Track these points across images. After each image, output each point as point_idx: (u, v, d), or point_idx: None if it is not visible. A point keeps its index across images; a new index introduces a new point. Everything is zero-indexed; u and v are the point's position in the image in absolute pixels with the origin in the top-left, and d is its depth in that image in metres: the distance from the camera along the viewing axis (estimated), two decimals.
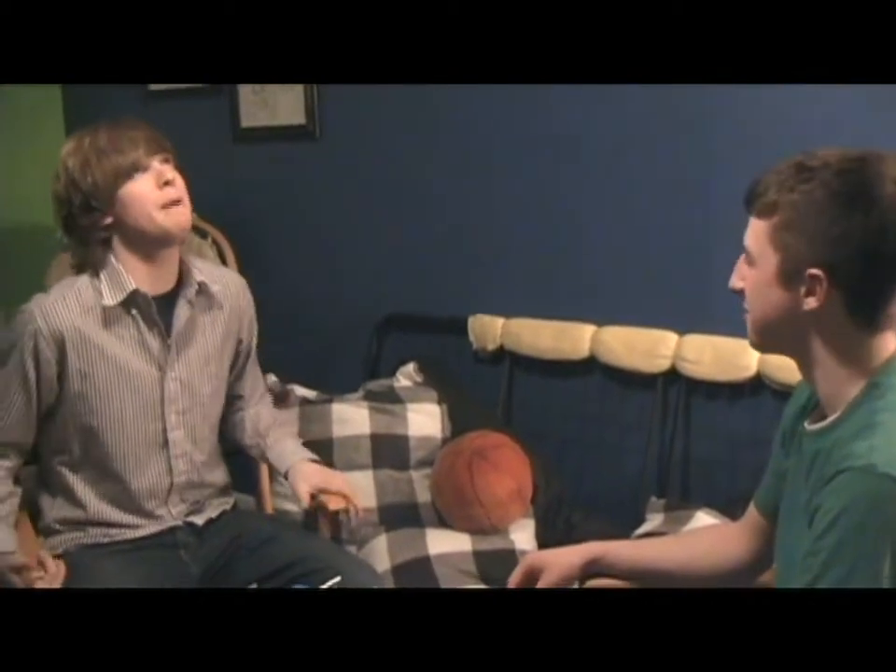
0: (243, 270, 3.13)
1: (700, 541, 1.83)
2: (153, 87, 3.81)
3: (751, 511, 1.76)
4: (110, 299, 2.18)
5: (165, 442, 2.28)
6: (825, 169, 1.42)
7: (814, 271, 1.42)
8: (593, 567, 1.74)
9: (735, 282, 1.54)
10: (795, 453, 1.59)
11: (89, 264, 2.21)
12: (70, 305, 2.17)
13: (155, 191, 2.16)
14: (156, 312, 2.22)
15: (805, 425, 1.56)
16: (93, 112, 3.78)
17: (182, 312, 2.25)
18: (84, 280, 2.20)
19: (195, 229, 3.07)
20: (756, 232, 1.48)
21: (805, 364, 1.52)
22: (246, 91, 3.60)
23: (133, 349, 2.22)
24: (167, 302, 2.24)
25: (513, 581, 1.75)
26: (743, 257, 1.53)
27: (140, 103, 3.83)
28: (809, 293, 1.44)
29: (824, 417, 1.51)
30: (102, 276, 2.19)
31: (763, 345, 1.59)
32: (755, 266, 1.49)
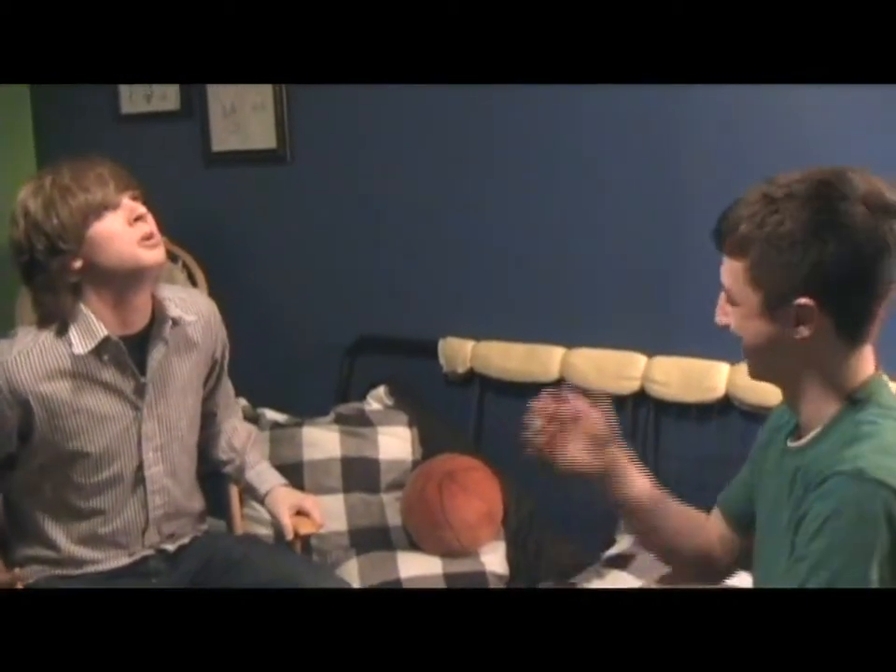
0: (213, 293, 3.14)
1: (695, 516, 1.81)
2: (124, 110, 3.82)
3: (716, 514, 1.77)
4: (80, 347, 2.08)
5: (142, 479, 2.22)
6: (790, 200, 1.42)
7: (802, 301, 1.42)
8: (606, 461, 1.69)
9: (720, 318, 1.54)
10: (774, 472, 1.59)
11: (56, 315, 2.09)
12: (34, 364, 2.07)
13: (127, 228, 2.06)
14: (128, 355, 2.14)
15: (787, 443, 1.57)
16: (65, 135, 3.79)
17: (156, 351, 2.18)
18: (49, 331, 2.10)
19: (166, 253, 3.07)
20: (733, 272, 1.48)
21: (791, 388, 1.53)
22: (217, 115, 3.61)
23: (106, 395, 2.14)
24: (141, 341, 2.17)
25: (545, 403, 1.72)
26: (723, 294, 1.53)
27: (111, 126, 3.82)
28: (800, 322, 1.44)
29: (803, 436, 1.53)
30: (70, 324, 2.09)
31: (759, 376, 1.58)
32: (738, 304, 1.49)
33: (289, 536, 2.33)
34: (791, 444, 1.56)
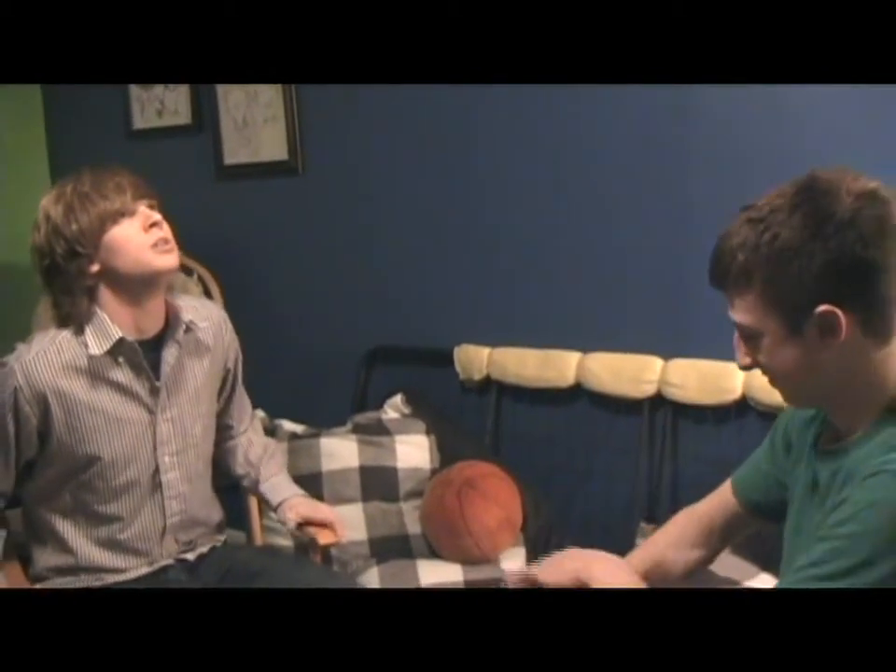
0: (228, 306, 3.15)
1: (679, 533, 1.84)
2: (136, 126, 3.84)
3: (728, 495, 1.77)
4: (96, 348, 2.14)
5: (159, 485, 2.26)
6: (776, 213, 1.40)
7: (822, 308, 1.39)
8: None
9: (743, 359, 1.51)
10: (801, 470, 1.57)
11: (73, 317, 2.15)
12: (51, 361, 2.13)
13: (142, 234, 2.13)
14: (143, 357, 2.19)
15: (821, 446, 1.55)
16: (78, 151, 3.82)
17: (170, 354, 2.23)
18: (66, 331, 2.16)
19: (180, 266, 3.08)
20: (745, 307, 1.45)
21: (830, 400, 1.51)
22: (229, 129, 3.63)
23: (121, 397, 2.19)
24: (155, 345, 2.22)
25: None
26: (738, 334, 1.50)
27: (123, 141, 3.85)
28: (826, 332, 1.41)
29: (838, 440, 1.51)
30: (86, 326, 2.15)
31: (799, 401, 1.57)
32: (762, 337, 1.46)
33: (293, 524, 2.39)
34: (826, 447, 1.53)
